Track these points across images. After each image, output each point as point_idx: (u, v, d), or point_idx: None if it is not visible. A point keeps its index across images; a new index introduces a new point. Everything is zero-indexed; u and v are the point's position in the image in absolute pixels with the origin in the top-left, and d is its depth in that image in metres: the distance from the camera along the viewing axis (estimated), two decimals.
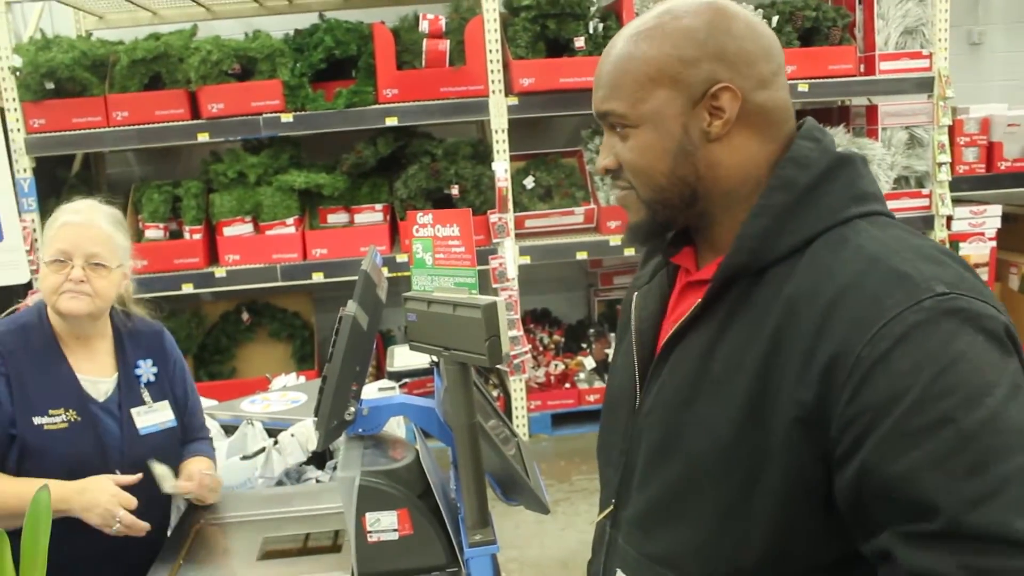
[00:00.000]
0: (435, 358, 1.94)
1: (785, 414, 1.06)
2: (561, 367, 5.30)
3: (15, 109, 4.66)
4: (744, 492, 1.11)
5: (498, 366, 2.10)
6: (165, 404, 2.31)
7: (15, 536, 1.36)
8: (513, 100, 4.82)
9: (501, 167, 4.75)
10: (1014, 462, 0.94)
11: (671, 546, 1.19)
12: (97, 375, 2.24)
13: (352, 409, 1.78)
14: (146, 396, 2.29)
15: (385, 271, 1.93)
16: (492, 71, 4.80)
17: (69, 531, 1.92)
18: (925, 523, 0.95)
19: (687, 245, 1.30)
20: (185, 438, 2.38)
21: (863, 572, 1.06)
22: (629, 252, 4.98)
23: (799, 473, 1.07)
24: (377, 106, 4.82)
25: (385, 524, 1.79)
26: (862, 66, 5.17)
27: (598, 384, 5.29)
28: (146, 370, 2.31)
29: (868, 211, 1.16)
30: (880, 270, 1.06)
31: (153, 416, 2.27)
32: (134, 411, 2.25)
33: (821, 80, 5.01)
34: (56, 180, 5.18)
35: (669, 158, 1.19)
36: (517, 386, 5.01)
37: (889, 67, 5.11)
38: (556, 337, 5.47)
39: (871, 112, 5.24)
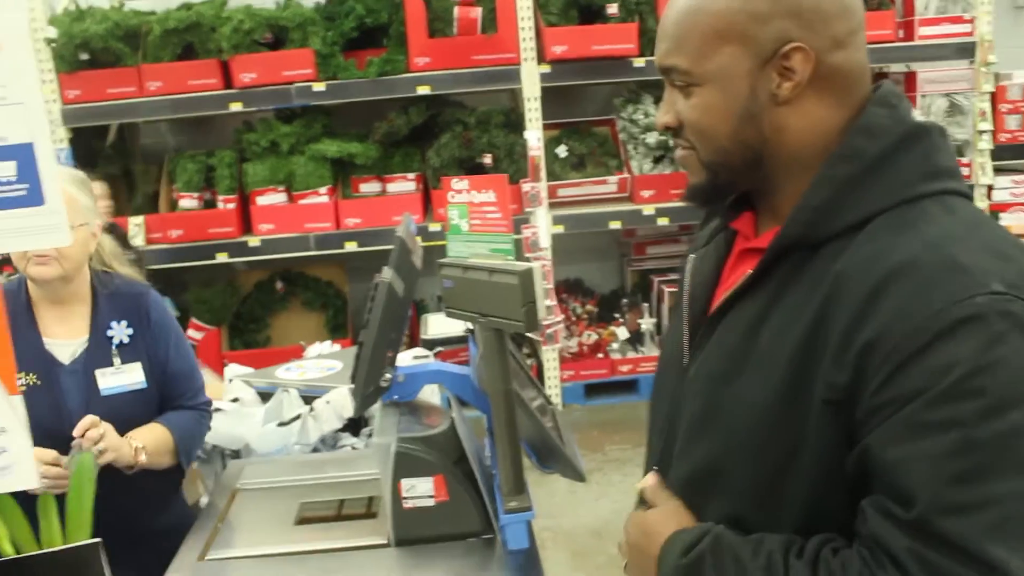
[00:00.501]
0: (471, 325, 1.94)
1: (818, 395, 1.04)
2: (594, 337, 5.29)
3: (51, 80, 4.70)
4: (778, 473, 1.09)
5: (530, 335, 2.10)
6: (136, 366, 2.25)
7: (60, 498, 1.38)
8: (545, 68, 4.78)
9: (534, 136, 4.72)
10: (1010, 485, 0.93)
11: (705, 517, 1.18)
12: (67, 338, 2.22)
13: (388, 375, 1.79)
14: (116, 358, 2.23)
15: (418, 240, 1.92)
16: (524, 38, 4.76)
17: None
18: (900, 509, 0.96)
19: (748, 209, 1.25)
20: (165, 405, 2.32)
21: None
22: (663, 222, 4.94)
23: (828, 456, 1.04)
24: (409, 74, 4.80)
25: (421, 490, 1.80)
26: (900, 32, 5.07)
27: (631, 354, 5.27)
28: (119, 331, 2.25)
29: (940, 189, 1.09)
30: (936, 257, 1.00)
31: (119, 377, 2.22)
32: (99, 372, 2.21)
33: None
34: (91, 151, 5.22)
35: (733, 120, 1.13)
36: (550, 356, 5.00)
37: (929, 32, 5.00)
38: (589, 307, 5.45)
39: (910, 79, 5.14)
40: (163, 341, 2.30)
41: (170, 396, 2.32)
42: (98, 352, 2.22)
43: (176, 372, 2.32)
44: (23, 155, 0.96)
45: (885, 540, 0.96)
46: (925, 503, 0.94)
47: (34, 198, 0.97)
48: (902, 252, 1.02)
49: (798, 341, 1.06)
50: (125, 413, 2.15)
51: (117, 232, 3.43)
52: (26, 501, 1.40)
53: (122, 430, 2.07)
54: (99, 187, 4.07)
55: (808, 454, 1.06)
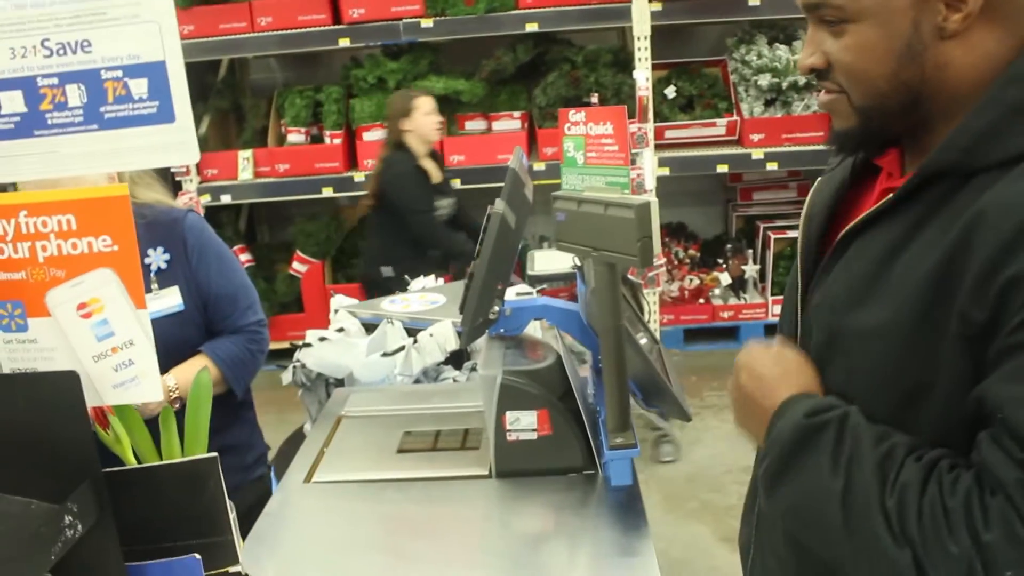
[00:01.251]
0: (578, 261, 1.92)
1: (953, 328, 0.98)
2: (696, 282, 5.23)
3: None
4: (901, 407, 1.05)
5: (631, 278, 2.07)
6: (174, 290, 2.22)
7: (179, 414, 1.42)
8: (657, 6, 4.67)
9: (642, 75, 4.63)
10: None
11: None
12: None
13: (496, 308, 1.79)
14: (154, 285, 2.19)
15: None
16: None
17: None
18: (1016, 447, 0.92)
19: (894, 146, 1.18)
20: (213, 327, 2.30)
21: None
22: (771, 167, 4.82)
23: (957, 391, 1.00)
24: (517, 11, 4.75)
25: (525, 423, 1.80)
26: None
27: (732, 301, 5.20)
28: (156, 258, 2.21)
29: None
30: None
31: (156, 303, 2.17)
32: None
33: None
34: (204, 86, 5.33)
35: (892, 59, 1.05)
36: (651, 299, 4.96)
37: None
38: (692, 252, 5.39)
39: None
40: (203, 264, 2.27)
41: (215, 318, 2.30)
42: None
43: (219, 294, 2.29)
44: (155, 73, 0.98)
45: (997, 469, 0.93)
46: None
47: (165, 115, 0.98)
48: None
49: (931, 271, 1.00)
50: (165, 337, 2.03)
51: None
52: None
53: (164, 355, 1.91)
54: (427, 102, 4.26)
55: (937, 388, 1.01)
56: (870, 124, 1.10)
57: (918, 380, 1.03)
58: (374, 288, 4.29)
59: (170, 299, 2.20)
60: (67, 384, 0.97)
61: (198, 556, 1.06)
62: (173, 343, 2.12)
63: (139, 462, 1.30)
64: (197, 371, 2.07)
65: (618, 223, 1.47)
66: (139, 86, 0.98)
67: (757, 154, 4.81)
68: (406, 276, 3.61)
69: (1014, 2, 1.02)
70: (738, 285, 5.29)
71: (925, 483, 0.98)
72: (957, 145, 1.03)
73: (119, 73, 0.98)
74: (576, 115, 1.60)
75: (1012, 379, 0.94)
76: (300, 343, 2.76)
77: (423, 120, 4.29)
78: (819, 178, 1.29)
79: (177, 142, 0.99)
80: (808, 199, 1.27)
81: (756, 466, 1.36)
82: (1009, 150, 1.00)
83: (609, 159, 1.60)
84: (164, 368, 1.88)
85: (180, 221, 2.26)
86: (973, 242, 0.97)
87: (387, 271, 4.35)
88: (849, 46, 1.07)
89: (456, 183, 4.92)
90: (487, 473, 1.88)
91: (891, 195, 1.09)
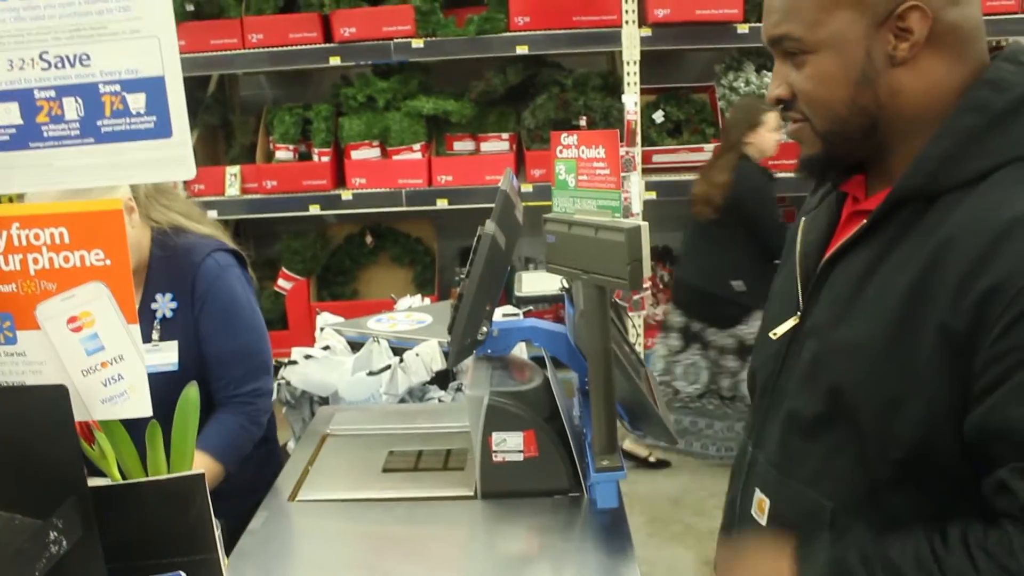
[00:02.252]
0: (566, 283, 1.93)
1: (933, 339, 1.04)
2: None
3: None
4: (885, 413, 1.09)
5: (617, 301, 2.08)
6: (172, 345, 2.02)
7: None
8: (647, 31, 4.70)
9: (631, 100, 4.66)
10: None
11: (816, 465, 1.19)
12: None
13: (485, 329, 1.79)
14: (156, 333, 2.02)
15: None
16: (626, 0, 4.68)
17: None
18: None
19: (858, 173, 1.24)
20: (217, 394, 2.09)
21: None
22: None
23: (940, 399, 1.04)
24: (508, 34, 4.77)
25: (511, 445, 1.80)
26: None
27: None
28: (162, 305, 2.03)
29: None
30: None
31: (152, 356, 1.95)
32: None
33: None
34: (194, 101, 5.33)
35: (850, 86, 1.12)
36: (636, 322, 4.97)
37: None
38: None
39: None
40: (205, 318, 2.06)
41: (220, 380, 2.09)
42: (142, 326, 1.91)
43: (215, 355, 2.08)
44: (153, 88, 0.98)
45: None
46: None
47: (162, 130, 0.98)
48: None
49: (906, 288, 1.07)
50: (156, 397, 1.65)
51: None
52: (133, 431, 1.44)
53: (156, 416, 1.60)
54: (774, 119, 4.05)
55: (918, 396, 1.06)
56: (833, 149, 1.18)
57: (897, 391, 1.08)
58: (717, 306, 4.23)
59: (165, 355, 2.02)
60: (55, 398, 0.96)
61: (183, 574, 1.05)
62: (167, 404, 1.77)
63: (124, 479, 1.29)
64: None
65: (609, 246, 1.48)
66: (137, 101, 0.98)
67: None
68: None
69: (958, 33, 1.10)
70: None
71: (972, 559, 1.01)
72: (922, 171, 1.10)
73: (117, 87, 0.98)
74: (568, 138, 1.61)
75: (1016, 400, 0.97)
76: (285, 360, 2.75)
77: (767, 136, 4.16)
78: (802, 218, 1.35)
79: (174, 157, 0.99)
80: (799, 239, 1.32)
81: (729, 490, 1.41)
82: (969, 171, 1.07)
83: (600, 183, 1.60)
84: None
85: (196, 266, 2.06)
86: (947, 257, 1.04)
87: (738, 285, 4.16)
88: (810, 76, 1.14)
89: (444, 203, 4.93)
90: (472, 494, 1.88)
91: (865, 221, 1.16)
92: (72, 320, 1.04)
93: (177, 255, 2.05)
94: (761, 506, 1.28)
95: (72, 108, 0.99)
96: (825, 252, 1.26)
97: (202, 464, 1.98)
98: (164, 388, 1.84)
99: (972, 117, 1.09)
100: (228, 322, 2.09)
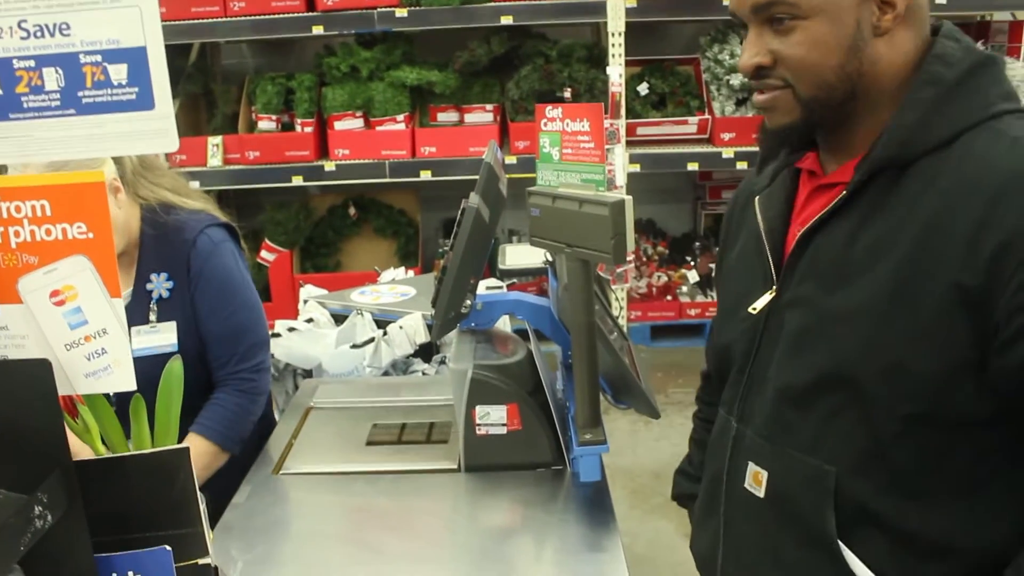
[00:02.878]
0: (550, 257, 1.93)
1: (941, 297, 1.08)
2: (664, 279, 5.25)
3: None
4: (890, 378, 1.13)
5: (600, 273, 2.08)
6: (170, 326, 2.00)
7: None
8: (631, 2, 4.67)
9: (616, 72, 4.64)
10: None
11: (813, 432, 1.22)
12: None
13: (469, 302, 1.79)
14: (153, 314, 2.00)
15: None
16: None
17: None
18: None
19: (810, 149, 1.29)
20: (217, 372, 2.08)
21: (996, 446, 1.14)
22: (742, 166, 4.85)
23: (953, 356, 1.09)
24: (492, 4, 4.74)
25: (494, 418, 1.81)
26: None
27: (700, 298, 5.23)
28: (158, 284, 2.00)
29: (1016, 108, 1.16)
30: None
31: (151, 338, 1.96)
32: (134, 330, 1.96)
33: None
34: (174, 70, 5.27)
35: (841, 53, 1.16)
36: (619, 295, 4.98)
37: None
38: (660, 248, 5.41)
39: (1015, 29, 4.94)
40: (201, 296, 2.04)
41: (219, 358, 2.08)
42: (139, 307, 2.00)
43: (213, 334, 2.06)
44: (135, 59, 0.96)
45: None
46: None
47: (144, 102, 0.97)
48: (1011, 159, 1.08)
49: (905, 249, 1.12)
50: (155, 378, 1.63)
51: None
52: (117, 404, 1.44)
53: (153, 395, 1.59)
54: None
55: (927, 355, 1.10)
56: (812, 116, 1.20)
57: (904, 350, 1.12)
58: None
59: (164, 336, 2.00)
60: (39, 372, 0.96)
61: (168, 548, 1.05)
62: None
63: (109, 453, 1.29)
64: (197, 454, 1.91)
65: (593, 220, 1.48)
66: (118, 72, 0.97)
67: (727, 153, 4.84)
68: None
69: (920, 10, 1.19)
70: (705, 283, 5.32)
71: None
72: (895, 140, 1.16)
73: (98, 58, 0.96)
74: (553, 111, 1.60)
75: None
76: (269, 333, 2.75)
77: None
78: (755, 197, 1.38)
79: (156, 129, 0.98)
80: (760, 217, 1.34)
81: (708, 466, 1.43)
82: (938, 136, 1.14)
83: (585, 156, 1.60)
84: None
85: (190, 244, 2.03)
86: (946, 220, 1.10)
87: None
88: (801, 41, 1.17)
89: (427, 174, 4.91)
90: (456, 467, 1.88)
91: (844, 192, 1.20)
92: (55, 294, 1.03)
93: (169, 233, 2.02)
94: (757, 478, 1.30)
95: (52, 78, 0.98)
96: (788, 226, 1.31)
97: (206, 451, 1.98)
98: (159, 370, 1.82)
99: (931, 89, 1.15)
100: (225, 300, 2.06)
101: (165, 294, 2.01)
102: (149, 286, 2.00)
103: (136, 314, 1.98)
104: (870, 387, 1.15)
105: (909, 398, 1.13)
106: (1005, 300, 1.05)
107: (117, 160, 1.95)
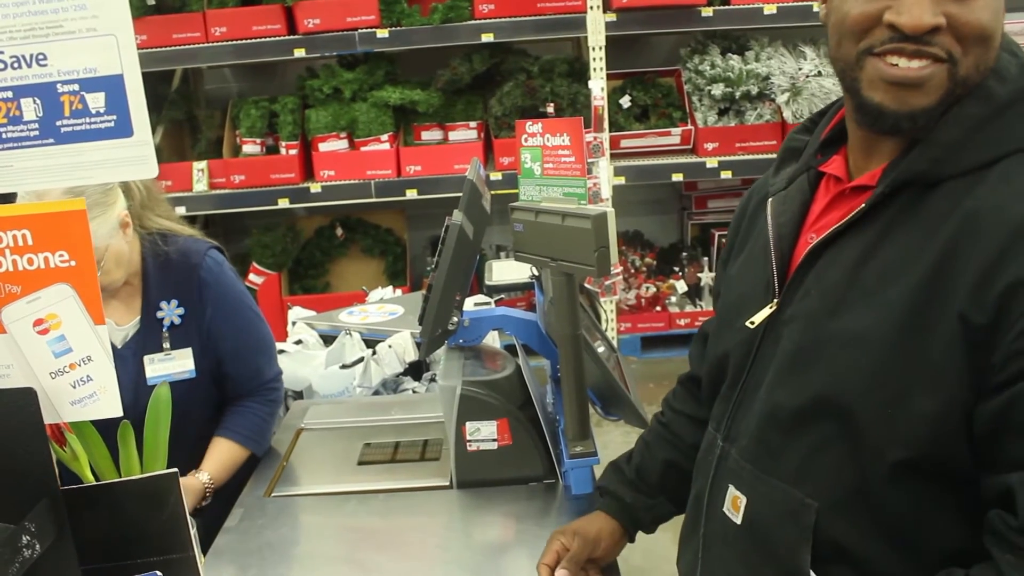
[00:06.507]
0: (536, 271, 1.93)
1: (950, 330, 1.01)
2: (652, 290, 5.26)
3: None
4: (894, 402, 1.05)
5: (588, 287, 2.09)
6: (186, 352, 2.02)
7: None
8: (611, 16, 4.70)
9: (597, 85, 4.65)
10: None
11: (798, 461, 1.15)
12: (120, 319, 2.01)
13: (455, 319, 1.79)
14: (166, 342, 2.02)
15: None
16: None
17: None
18: None
19: (835, 154, 1.21)
20: (232, 392, 2.14)
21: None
22: (726, 175, 4.87)
23: (952, 396, 1.01)
24: (473, 22, 4.76)
25: (485, 434, 1.81)
26: None
27: (689, 308, 5.24)
28: (169, 312, 2.02)
29: None
30: None
31: (167, 365, 2.00)
32: (147, 358, 2.00)
33: None
34: (157, 96, 5.28)
35: (1001, 29, 1.06)
36: (608, 307, 4.99)
37: None
38: (648, 260, 5.42)
39: None
40: (219, 318, 2.07)
41: (236, 379, 2.13)
42: (149, 336, 2.03)
43: (236, 353, 2.11)
44: (112, 87, 0.97)
45: None
46: None
47: (123, 129, 0.98)
48: None
49: (921, 275, 1.04)
50: (174, 403, 1.73)
51: None
52: (105, 431, 1.44)
53: (174, 421, 1.69)
54: None
55: (929, 389, 1.02)
56: (947, 102, 1.07)
57: (905, 383, 1.04)
58: None
59: (182, 363, 2.03)
60: (24, 402, 0.96)
61: (159, 573, 1.05)
62: (183, 409, 1.82)
63: (97, 480, 1.29)
64: (229, 457, 2.04)
65: (575, 233, 1.48)
66: (96, 100, 0.97)
67: (711, 163, 4.85)
68: None
69: None
70: (694, 292, 5.33)
71: None
72: (927, 156, 1.07)
73: (76, 87, 0.97)
74: (533, 127, 1.61)
75: None
76: None
77: None
78: (769, 198, 1.29)
79: (135, 156, 0.98)
80: (770, 221, 1.25)
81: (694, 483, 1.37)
82: (973, 160, 1.05)
83: (566, 170, 1.61)
84: (174, 436, 1.67)
85: (194, 268, 2.05)
86: (964, 248, 1.01)
87: None
88: (987, 6, 1.04)
89: (413, 193, 4.92)
90: (448, 484, 1.88)
91: (862, 206, 1.11)
92: (38, 323, 1.04)
93: (172, 260, 2.04)
94: (736, 503, 1.23)
95: (31, 109, 0.98)
96: (799, 235, 1.23)
97: (226, 454, 2.04)
98: (185, 394, 1.94)
99: (978, 106, 1.06)
100: (241, 317, 2.12)
101: (177, 320, 2.03)
102: (160, 314, 2.02)
103: (148, 342, 2.02)
104: (863, 420, 1.07)
105: (905, 439, 1.04)
106: (1008, 341, 0.97)
107: (127, 193, 1.97)
